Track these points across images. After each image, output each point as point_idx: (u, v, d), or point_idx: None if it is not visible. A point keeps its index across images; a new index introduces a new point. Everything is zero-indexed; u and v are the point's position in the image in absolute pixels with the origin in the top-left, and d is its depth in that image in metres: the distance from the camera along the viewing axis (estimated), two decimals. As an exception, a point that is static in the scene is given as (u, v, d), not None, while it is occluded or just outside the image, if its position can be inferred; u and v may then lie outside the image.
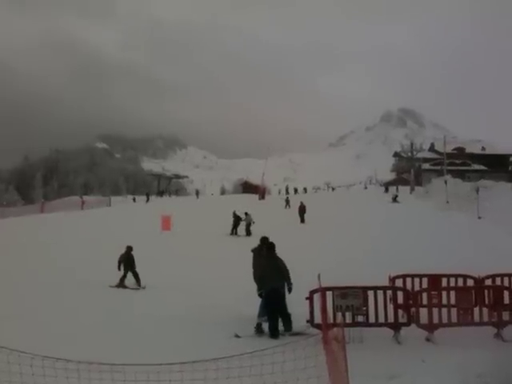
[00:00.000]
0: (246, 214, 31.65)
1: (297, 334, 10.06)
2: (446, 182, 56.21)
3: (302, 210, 36.75)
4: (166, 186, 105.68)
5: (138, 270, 16.75)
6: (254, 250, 12.26)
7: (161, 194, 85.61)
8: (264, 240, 11.85)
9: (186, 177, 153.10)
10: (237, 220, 31.30)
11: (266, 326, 10.54)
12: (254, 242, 12.75)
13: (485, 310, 9.94)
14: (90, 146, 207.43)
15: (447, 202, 41.02)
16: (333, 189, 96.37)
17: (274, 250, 10.96)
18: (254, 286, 11.16)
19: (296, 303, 10.30)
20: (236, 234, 30.72)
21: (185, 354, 7.35)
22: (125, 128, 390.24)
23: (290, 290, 10.58)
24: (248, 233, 30.36)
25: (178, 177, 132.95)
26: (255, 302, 11.24)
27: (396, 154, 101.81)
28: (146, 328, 10.95)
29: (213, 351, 7.45)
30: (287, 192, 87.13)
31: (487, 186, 41.30)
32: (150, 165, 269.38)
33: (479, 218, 32.04)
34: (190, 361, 6.07)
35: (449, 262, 15.49)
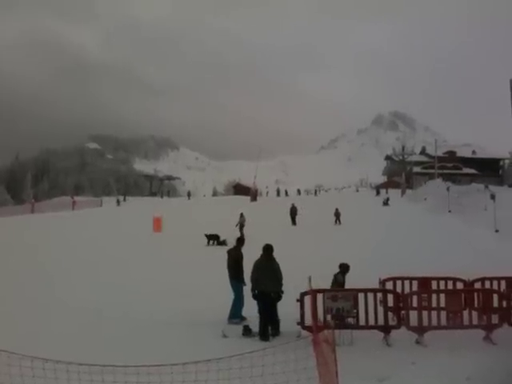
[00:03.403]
0: (242, 215, 31.43)
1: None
2: (425, 183, 57.18)
3: (294, 212, 36.79)
4: (158, 187, 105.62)
5: (130, 273, 16.51)
6: (229, 250, 12.65)
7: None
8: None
9: (178, 178, 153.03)
10: (212, 238, 27.98)
11: (253, 327, 10.56)
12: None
13: (474, 312, 10.01)
14: (81, 146, 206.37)
15: (425, 198, 45.10)
16: (315, 192, 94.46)
17: (272, 253, 10.93)
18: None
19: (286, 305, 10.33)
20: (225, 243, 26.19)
21: (175, 354, 7.35)
22: (116, 129, 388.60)
23: (279, 298, 10.51)
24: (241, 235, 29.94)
25: (169, 178, 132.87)
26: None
27: (387, 157, 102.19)
28: (136, 330, 10.94)
29: (202, 352, 7.45)
30: (278, 194, 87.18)
31: (479, 189, 42.19)
32: (141, 166, 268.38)
33: (449, 211, 35.79)
34: (180, 362, 6.07)
35: (438, 264, 15.59)
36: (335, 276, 11.13)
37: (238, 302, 11.74)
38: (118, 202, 69.29)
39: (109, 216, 46.45)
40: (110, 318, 11.90)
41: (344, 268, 11.21)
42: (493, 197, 28.55)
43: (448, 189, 38.94)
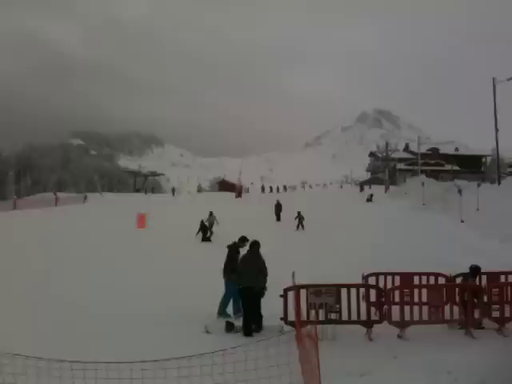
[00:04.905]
0: (211, 213, 30.45)
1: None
2: (406, 178, 58.49)
3: (279, 208, 36.85)
4: (142, 183, 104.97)
5: (114, 270, 16.39)
6: (229, 246, 12.48)
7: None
8: (243, 239, 12.10)
9: (163, 174, 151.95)
10: (204, 228, 28.62)
11: (235, 322, 10.59)
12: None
13: (455, 307, 10.12)
14: (64, 143, 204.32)
15: (405, 193, 48.69)
16: (279, 188, 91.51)
17: (258, 249, 10.94)
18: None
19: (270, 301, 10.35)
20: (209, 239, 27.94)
21: (158, 351, 7.33)
22: (100, 125, 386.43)
23: (262, 295, 10.52)
24: (209, 234, 28.64)
25: (154, 174, 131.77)
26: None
27: (371, 154, 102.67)
28: (120, 327, 10.89)
29: (184, 348, 7.44)
30: (263, 190, 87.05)
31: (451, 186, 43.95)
32: (126, 162, 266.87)
33: (423, 204, 38.71)
34: (162, 358, 6.05)
35: (418, 259, 15.76)
36: (465, 278, 10.95)
37: (228, 299, 11.75)
38: None
39: (92, 212, 46.04)
40: (95, 315, 11.79)
41: (474, 270, 10.85)
42: (459, 191, 32.48)
43: (423, 184, 41.57)
